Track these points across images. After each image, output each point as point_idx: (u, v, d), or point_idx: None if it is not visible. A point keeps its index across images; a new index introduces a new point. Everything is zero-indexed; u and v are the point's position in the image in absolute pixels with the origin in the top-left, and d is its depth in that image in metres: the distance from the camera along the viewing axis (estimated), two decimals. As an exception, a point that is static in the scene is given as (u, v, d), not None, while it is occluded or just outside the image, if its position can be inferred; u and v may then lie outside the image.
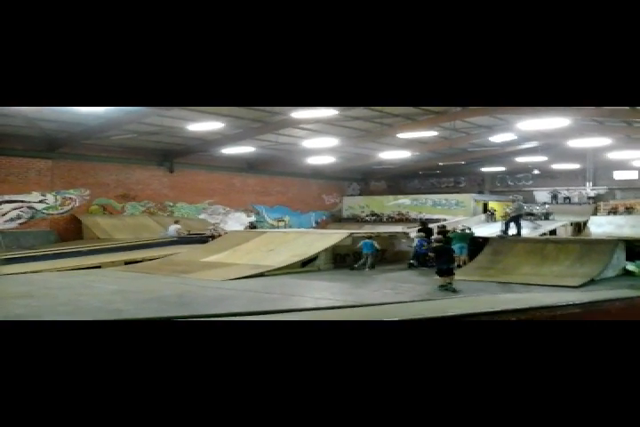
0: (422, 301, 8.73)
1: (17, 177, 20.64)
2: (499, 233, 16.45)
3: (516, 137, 26.07)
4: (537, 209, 28.63)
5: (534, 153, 29.41)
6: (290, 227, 28.13)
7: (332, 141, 22.57)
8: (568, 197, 32.42)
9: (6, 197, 20.37)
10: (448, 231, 15.41)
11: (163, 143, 23.91)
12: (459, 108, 21.22)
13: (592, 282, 11.67)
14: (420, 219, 20.82)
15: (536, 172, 33.13)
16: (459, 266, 13.21)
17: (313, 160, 27.42)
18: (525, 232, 17.92)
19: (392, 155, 27.08)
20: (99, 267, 14.76)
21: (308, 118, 18.88)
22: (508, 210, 19.08)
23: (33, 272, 13.27)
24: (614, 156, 26.65)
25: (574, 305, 5.33)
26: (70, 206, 22.30)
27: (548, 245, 14.33)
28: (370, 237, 15.50)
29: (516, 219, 16.19)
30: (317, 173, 32.35)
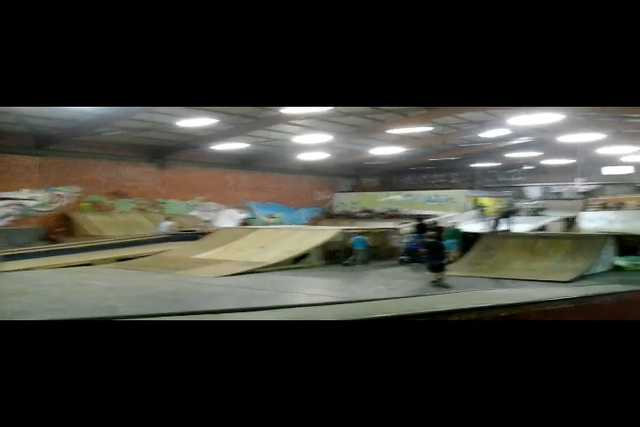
0: (415, 296, 8.77)
1: (6, 174, 20.49)
2: (490, 229, 16.55)
3: (507, 133, 26.15)
4: (528, 205, 28.75)
5: (525, 149, 29.48)
6: (282, 223, 28.12)
7: (324, 137, 22.57)
8: (559, 193, 32.56)
9: (-4, 195, 20.27)
10: (441, 227, 15.46)
11: (154, 140, 23.82)
12: (450, 104, 21.26)
13: (582, 277, 11.77)
14: (418, 215, 20.78)
15: (527, 167, 33.25)
16: (450, 262, 13.27)
17: (305, 156, 27.40)
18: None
19: (384, 151, 27.11)
20: (90, 264, 14.73)
21: (300, 114, 18.87)
22: (499, 206, 19.18)
23: (24, 270, 13.23)
24: (605, 151, 26.78)
25: (564, 300, 5.39)
26: (61, 204, 22.19)
27: (538, 241, 14.42)
28: (362, 234, 15.54)
29: (507, 215, 16.29)
30: (309, 170, 32.34)
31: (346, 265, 14.66)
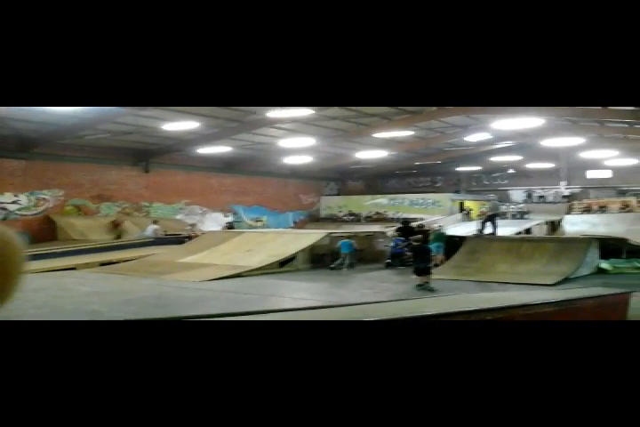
0: (400, 300, 8.77)
1: (-11, 177, 20.29)
2: (475, 232, 16.61)
3: (490, 136, 26.33)
4: (512, 208, 28.94)
5: (509, 152, 29.69)
6: (268, 227, 28.06)
7: (308, 141, 22.56)
8: (542, 196, 32.81)
9: (-22, 198, 20.04)
10: (428, 231, 15.51)
11: (138, 143, 23.67)
12: (434, 108, 21.36)
13: (567, 280, 11.85)
14: (404, 219, 20.79)
15: (511, 171, 33.48)
16: (436, 265, 13.31)
17: (290, 160, 27.38)
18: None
19: (369, 154, 27.17)
20: (74, 269, 14.59)
21: (284, 118, 18.85)
22: (484, 209, 19.27)
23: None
24: (587, 155, 27.04)
25: (550, 303, 5.40)
26: (44, 207, 21.96)
27: (523, 244, 14.51)
28: (349, 237, 15.54)
29: (492, 218, 16.36)
30: (295, 173, 32.31)
31: (332, 269, 14.65)
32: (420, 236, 12.97)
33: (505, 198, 32.37)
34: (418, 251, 11.61)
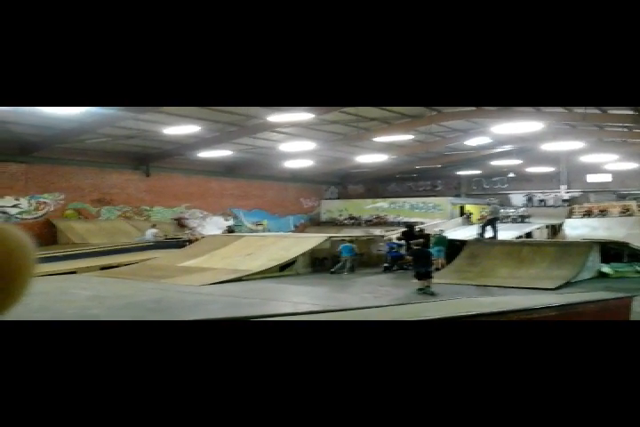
0: (401, 304, 8.75)
1: (-10, 181, 20.29)
2: (475, 236, 16.58)
3: (490, 141, 26.33)
4: (513, 212, 28.90)
5: (509, 157, 29.71)
6: (268, 231, 28.04)
7: (308, 145, 22.57)
8: (543, 200, 32.80)
9: (-21, 202, 20.04)
10: (427, 235, 15.49)
11: (138, 147, 23.69)
12: (434, 112, 21.37)
13: (568, 284, 11.82)
14: (408, 223, 20.67)
15: (511, 175, 33.48)
16: (437, 269, 13.29)
17: (290, 164, 27.38)
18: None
19: (369, 158, 27.18)
20: (74, 272, 14.57)
21: (284, 122, 18.86)
22: (484, 213, 19.25)
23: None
24: (587, 159, 27.05)
25: (551, 308, 5.39)
26: (45, 211, 21.96)
27: (524, 248, 14.48)
28: (351, 241, 15.54)
29: (493, 222, 16.34)
30: (295, 177, 32.32)
31: (333, 273, 14.63)
32: (421, 240, 12.95)
33: (505, 202, 32.37)
34: (419, 255, 11.59)
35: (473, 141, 25.90)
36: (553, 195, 32.56)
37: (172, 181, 26.56)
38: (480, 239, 15.92)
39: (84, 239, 20.56)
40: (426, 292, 10.81)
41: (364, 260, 16.35)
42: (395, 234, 17.95)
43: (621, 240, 15.61)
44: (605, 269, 13.53)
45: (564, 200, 31.71)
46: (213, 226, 27.42)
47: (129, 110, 16.74)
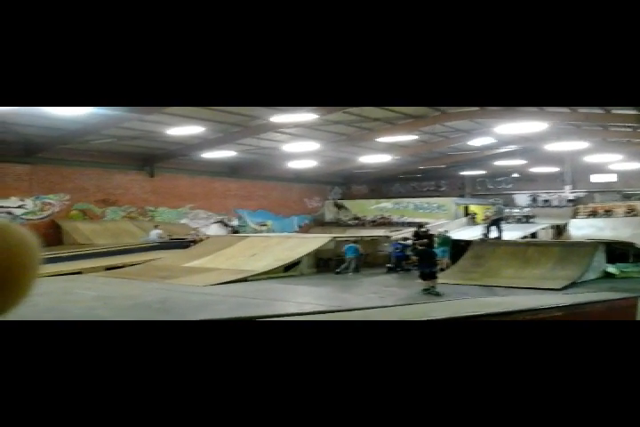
0: (406, 305, 8.75)
1: (-4, 182, 20.35)
2: (480, 236, 16.56)
3: (494, 141, 26.27)
4: (517, 212, 28.83)
5: (513, 157, 29.66)
6: (272, 231, 28.05)
7: (312, 146, 22.57)
8: (547, 200, 32.71)
9: (-16, 203, 20.10)
10: (432, 235, 15.46)
11: (143, 148, 23.73)
12: (437, 112, 21.34)
13: (574, 284, 11.79)
14: (419, 223, 20.40)
15: (515, 175, 33.41)
16: (442, 269, 13.27)
17: (294, 164, 27.39)
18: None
19: (373, 159, 27.16)
20: (79, 273, 14.61)
21: (288, 123, 18.86)
22: (488, 213, 19.20)
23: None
24: (591, 159, 26.98)
25: (557, 308, 5.37)
26: (50, 211, 22.01)
27: (529, 248, 14.46)
28: (355, 242, 15.53)
29: (497, 222, 16.31)
30: (299, 177, 32.32)
31: (338, 273, 14.63)
32: (425, 240, 12.94)
33: (510, 202, 32.30)
34: (423, 255, 11.58)
35: (477, 142, 25.87)
36: (557, 195, 32.47)
37: (177, 181, 26.61)
38: (485, 240, 15.89)
39: (90, 240, 20.61)
40: (431, 292, 10.81)
41: (368, 260, 16.35)
42: (400, 234, 17.90)
43: (627, 240, 15.56)
44: (611, 269, 13.50)
45: (569, 200, 31.63)
46: (218, 226, 27.49)
47: (133, 111, 16.76)
